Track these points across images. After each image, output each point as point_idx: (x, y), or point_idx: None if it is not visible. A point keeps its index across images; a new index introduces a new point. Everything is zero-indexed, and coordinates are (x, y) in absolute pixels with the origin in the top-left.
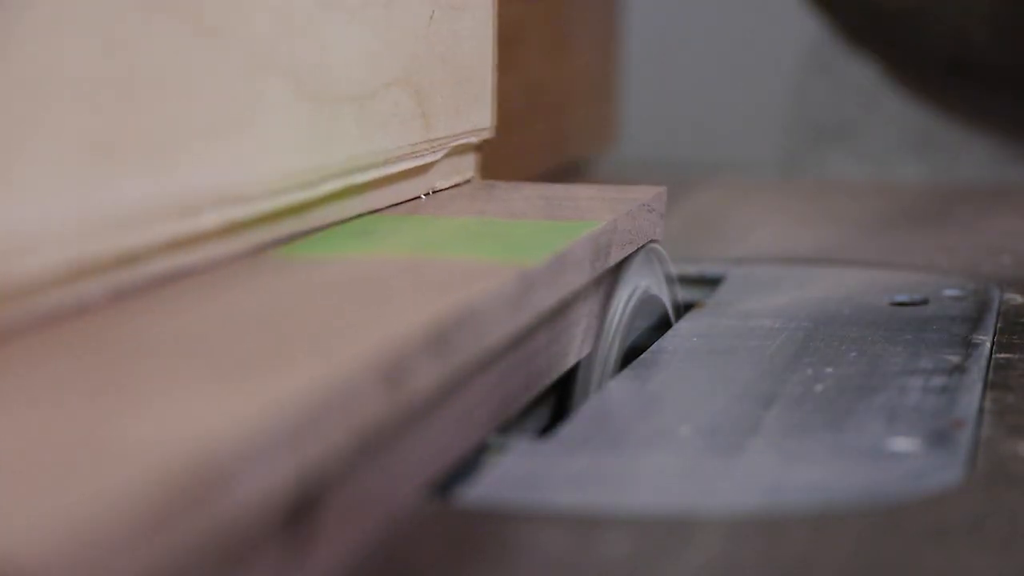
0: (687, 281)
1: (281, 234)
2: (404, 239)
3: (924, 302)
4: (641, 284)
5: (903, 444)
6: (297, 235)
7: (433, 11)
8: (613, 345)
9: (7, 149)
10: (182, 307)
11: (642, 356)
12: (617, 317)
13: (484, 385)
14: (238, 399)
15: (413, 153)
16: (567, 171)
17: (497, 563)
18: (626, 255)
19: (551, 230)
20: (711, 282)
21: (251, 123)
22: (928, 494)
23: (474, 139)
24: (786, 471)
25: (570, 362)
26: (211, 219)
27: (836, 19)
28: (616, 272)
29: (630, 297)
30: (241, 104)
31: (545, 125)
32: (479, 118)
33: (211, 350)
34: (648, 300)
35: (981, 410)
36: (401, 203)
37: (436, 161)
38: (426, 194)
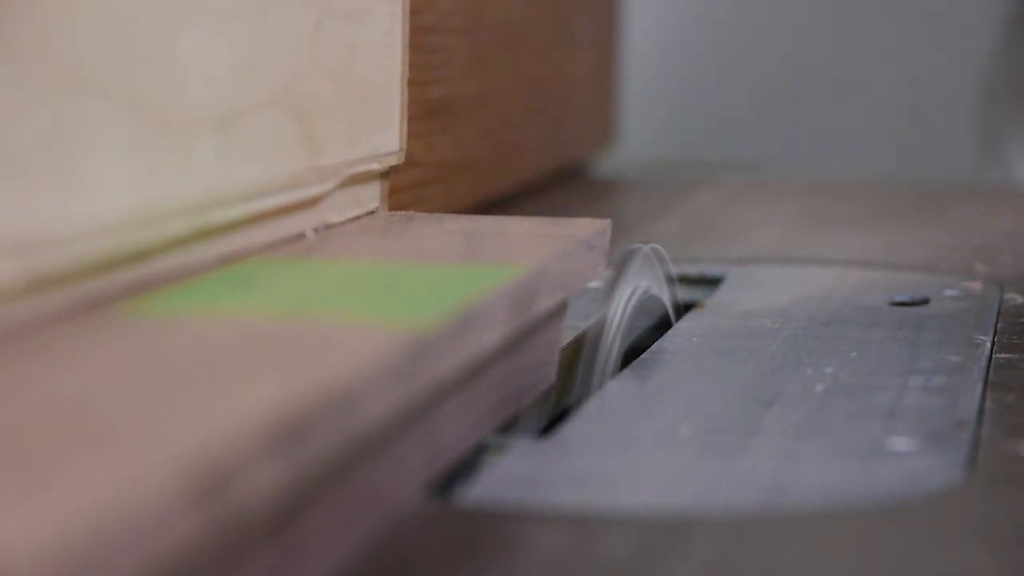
0: (687, 281)
1: (117, 284)
2: (282, 291)
3: (924, 302)
4: (641, 284)
5: (903, 444)
6: (143, 284)
7: (320, 19)
8: (613, 345)
9: None
10: None
11: (642, 356)
12: (617, 317)
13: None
14: None
15: (294, 184)
16: (567, 171)
17: (497, 563)
18: (556, 302)
19: (462, 278)
20: (711, 282)
21: (67, 152)
22: (928, 494)
23: (376, 165)
24: (786, 471)
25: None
26: (10, 269)
27: None
28: (616, 272)
29: (630, 297)
30: (51, 131)
31: (545, 125)
32: (383, 141)
33: None
34: (648, 300)
35: (981, 410)
36: (291, 242)
37: (327, 192)
38: (316, 230)
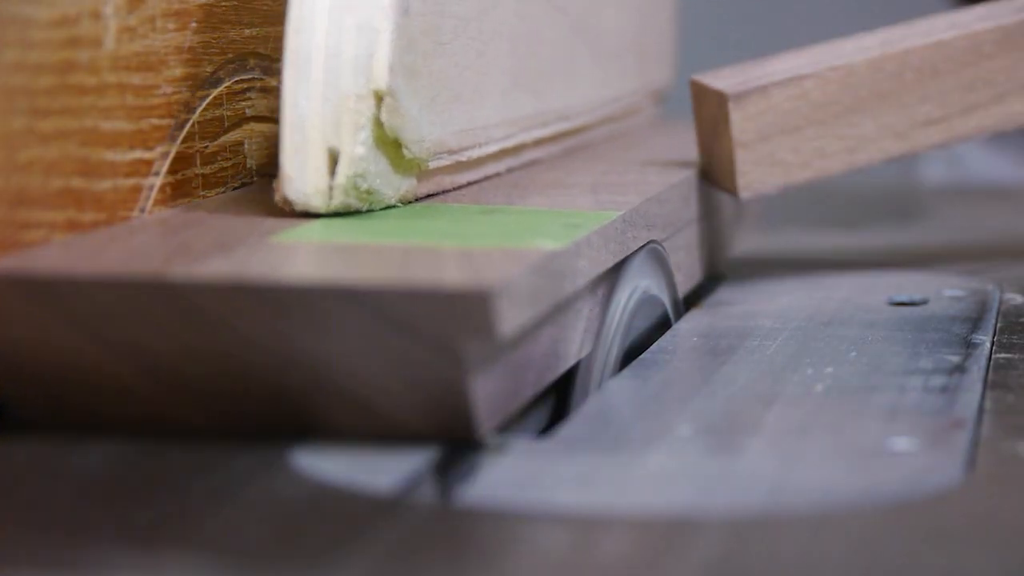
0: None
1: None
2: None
3: (924, 302)
4: (641, 284)
5: (903, 444)
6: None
7: None
8: (613, 345)
9: None
10: None
11: (642, 356)
12: (617, 317)
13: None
14: None
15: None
16: None
17: (497, 563)
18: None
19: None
20: (711, 282)
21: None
22: (928, 494)
23: None
24: (786, 471)
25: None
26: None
27: None
28: (616, 272)
29: (630, 297)
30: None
31: None
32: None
33: None
34: (648, 300)
35: (981, 410)
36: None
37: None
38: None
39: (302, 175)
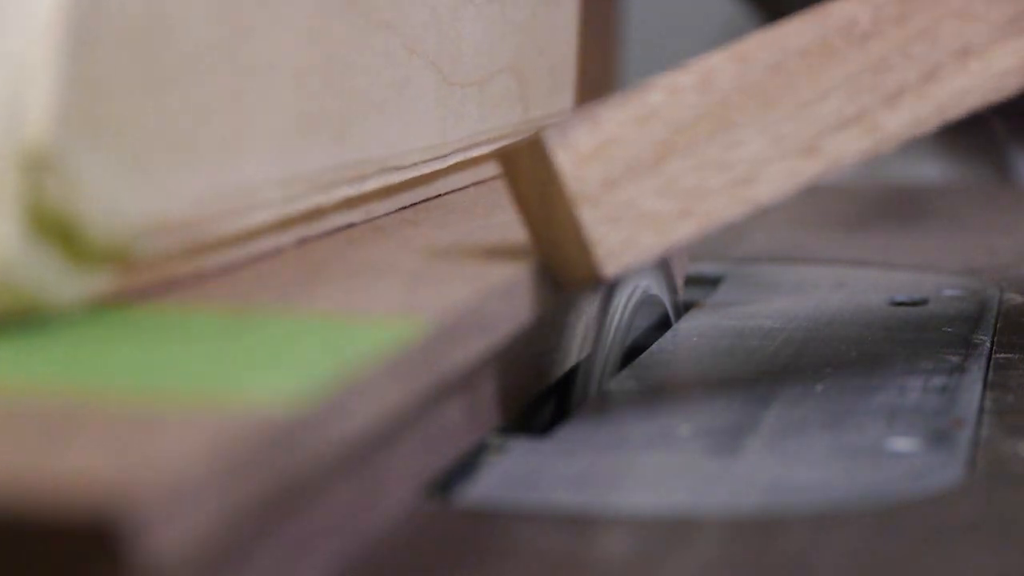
0: (687, 281)
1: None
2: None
3: (924, 302)
4: (641, 284)
5: (903, 444)
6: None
7: (534, 9)
8: (613, 345)
9: None
10: None
11: (642, 356)
12: (617, 317)
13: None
14: None
15: (515, 132)
16: None
17: (497, 563)
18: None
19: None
20: (711, 282)
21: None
22: (928, 494)
23: (558, 119)
24: (786, 471)
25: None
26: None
27: None
28: None
29: (630, 297)
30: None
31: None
32: (563, 101)
33: None
34: (648, 300)
35: (981, 410)
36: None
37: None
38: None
39: None
